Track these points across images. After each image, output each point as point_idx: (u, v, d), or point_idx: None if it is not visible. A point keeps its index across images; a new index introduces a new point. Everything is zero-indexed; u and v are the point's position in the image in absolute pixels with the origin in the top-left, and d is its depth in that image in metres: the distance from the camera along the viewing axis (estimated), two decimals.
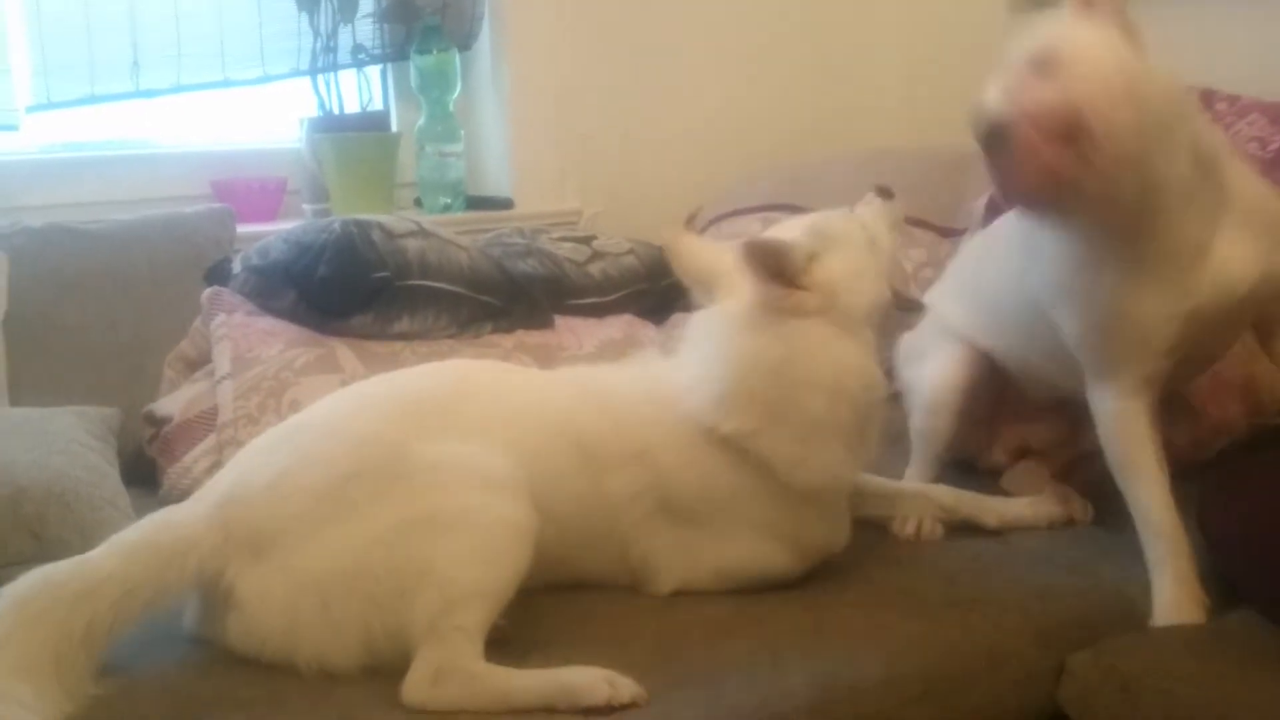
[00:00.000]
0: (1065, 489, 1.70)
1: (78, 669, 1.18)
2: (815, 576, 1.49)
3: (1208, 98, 2.26)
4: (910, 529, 1.62)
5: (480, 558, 1.25)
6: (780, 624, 1.36)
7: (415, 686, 1.20)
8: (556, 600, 1.39)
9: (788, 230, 1.49)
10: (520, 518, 1.29)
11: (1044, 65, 1.26)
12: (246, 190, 2.47)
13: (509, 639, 1.29)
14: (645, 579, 1.45)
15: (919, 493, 1.66)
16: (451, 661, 1.20)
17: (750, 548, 1.45)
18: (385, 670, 1.24)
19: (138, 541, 1.26)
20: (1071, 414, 1.68)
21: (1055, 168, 1.23)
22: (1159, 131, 1.27)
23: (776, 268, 1.39)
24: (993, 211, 2.22)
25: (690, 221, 2.61)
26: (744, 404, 1.40)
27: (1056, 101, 1.22)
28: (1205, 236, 1.34)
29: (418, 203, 2.62)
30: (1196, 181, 1.32)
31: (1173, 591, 1.41)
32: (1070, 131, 1.22)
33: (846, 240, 1.46)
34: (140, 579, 1.22)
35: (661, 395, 1.46)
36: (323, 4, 2.46)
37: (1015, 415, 1.80)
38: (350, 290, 1.93)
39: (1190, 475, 1.70)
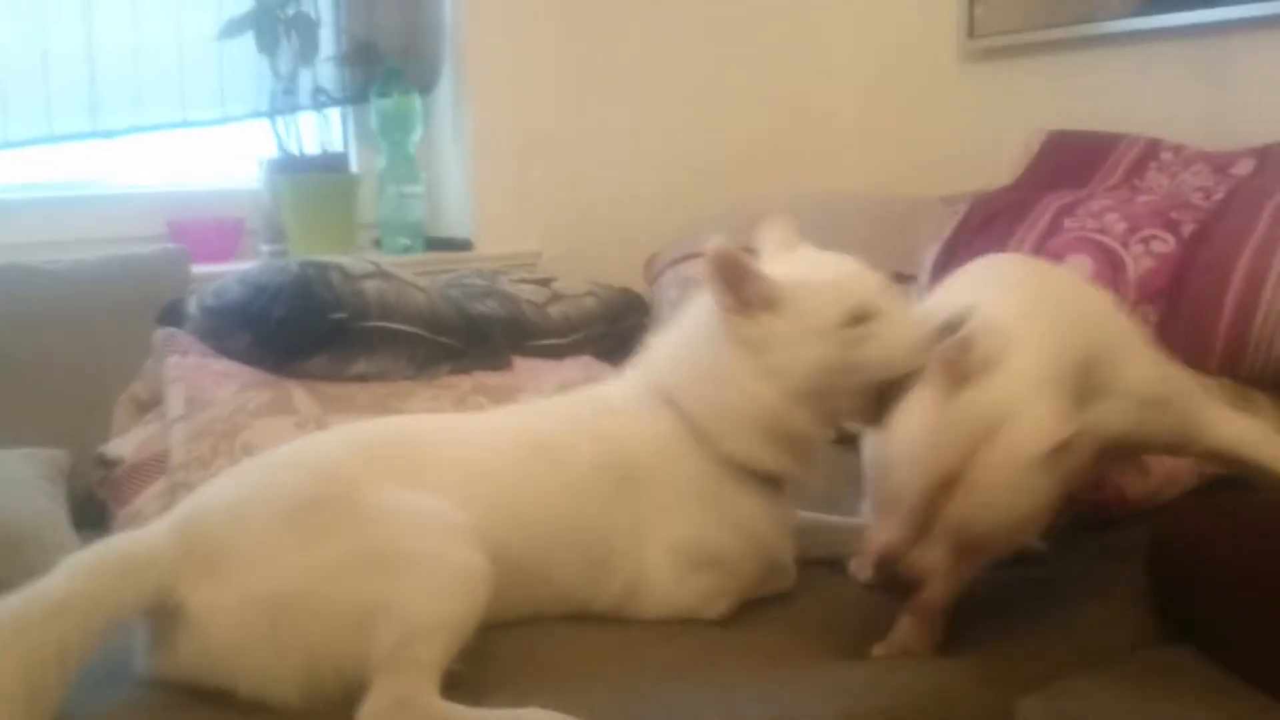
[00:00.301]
0: None
1: (48, 694, 1.15)
2: (769, 619, 1.50)
3: (1153, 148, 2.32)
4: (865, 571, 1.63)
5: (441, 593, 1.25)
6: (735, 667, 1.36)
7: (373, 716, 1.19)
8: (512, 641, 1.38)
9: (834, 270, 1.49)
10: (478, 563, 1.29)
11: None
12: (203, 230, 2.46)
13: (464, 680, 1.27)
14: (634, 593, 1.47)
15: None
16: (410, 695, 1.19)
17: (700, 524, 1.47)
18: (324, 710, 1.22)
19: (97, 560, 1.24)
20: None
21: None
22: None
23: (735, 283, 1.42)
24: (944, 260, 2.25)
25: (649, 266, 2.64)
26: (681, 369, 1.50)
27: None
28: None
29: (377, 243, 2.63)
30: None
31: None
32: None
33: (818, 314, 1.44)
34: (102, 595, 1.20)
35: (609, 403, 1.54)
36: (283, 46, 2.47)
37: None
38: (307, 332, 1.93)
39: (1141, 521, 1.75)
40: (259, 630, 1.22)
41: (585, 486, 1.46)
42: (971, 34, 2.75)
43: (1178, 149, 2.29)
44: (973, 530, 1.29)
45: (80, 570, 1.23)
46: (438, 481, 1.38)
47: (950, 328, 1.34)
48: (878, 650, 1.44)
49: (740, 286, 1.42)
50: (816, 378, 1.43)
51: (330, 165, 2.58)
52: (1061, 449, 1.26)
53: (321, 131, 2.59)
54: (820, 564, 1.62)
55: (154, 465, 1.84)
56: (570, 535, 1.45)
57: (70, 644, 1.16)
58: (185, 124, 2.47)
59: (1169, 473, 1.83)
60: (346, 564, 1.25)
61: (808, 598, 1.55)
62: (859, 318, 1.42)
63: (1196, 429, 1.56)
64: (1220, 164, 2.18)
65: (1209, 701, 1.31)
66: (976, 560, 1.35)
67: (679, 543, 1.47)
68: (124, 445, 1.89)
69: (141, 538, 1.29)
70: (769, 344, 1.43)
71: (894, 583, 1.33)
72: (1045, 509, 1.32)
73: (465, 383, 2.05)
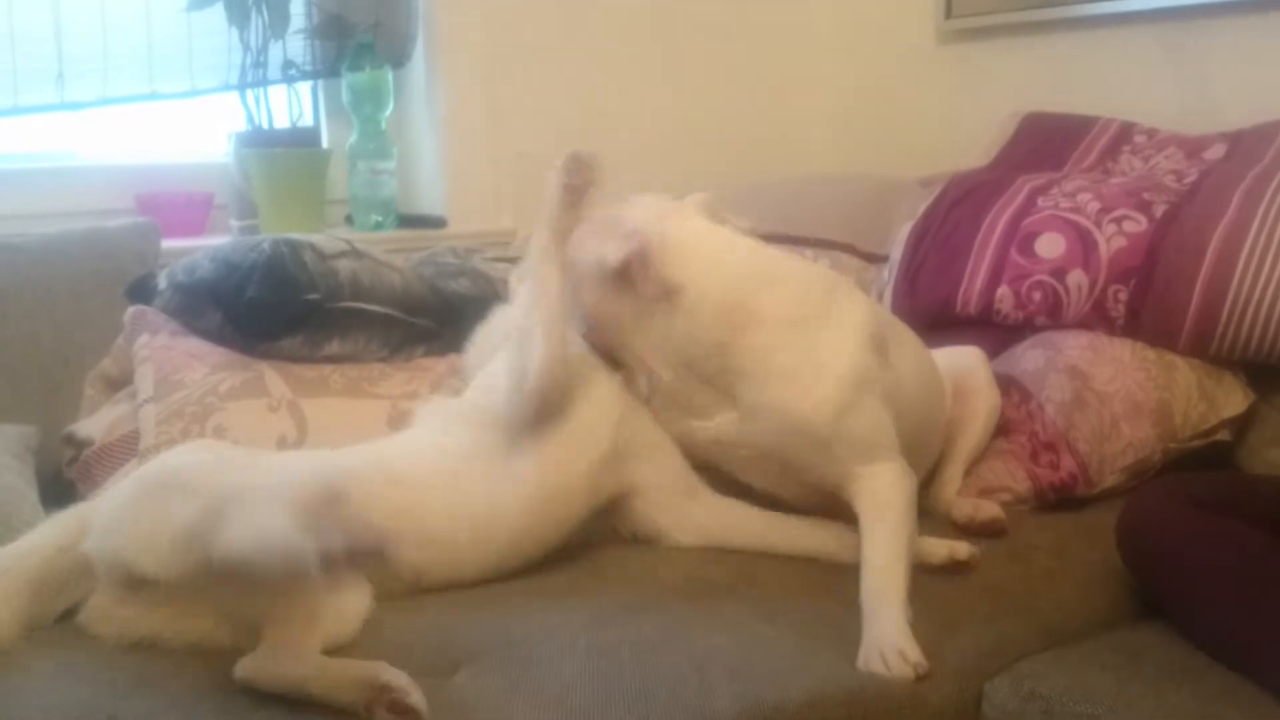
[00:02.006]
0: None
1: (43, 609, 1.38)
2: (744, 600, 1.51)
3: (1127, 131, 2.34)
4: None
5: None
6: (708, 644, 1.37)
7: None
8: (483, 616, 1.39)
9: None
10: None
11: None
12: (172, 204, 2.43)
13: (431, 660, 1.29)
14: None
15: None
16: None
17: None
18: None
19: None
20: None
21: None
22: (613, 344, 1.68)
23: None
24: (917, 238, 2.26)
25: None
26: None
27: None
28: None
29: (348, 220, 2.60)
30: None
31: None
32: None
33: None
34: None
35: None
36: (253, 18, 2.43)
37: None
38: (280, 312, 1.91)
39: (1110, 500, 1.77)
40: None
41: None
42: (949, 14, 2.76)
43: (1151, 132, 2.31)
44: None
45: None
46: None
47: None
48: None
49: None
50: None
51: (301, 140, 2.55)
52: None
53: (292, 106, 2.56)
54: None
55: (124, 447, 1.82)
56: None
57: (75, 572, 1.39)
58: (154, 96, 2.43)
59: (1132, 440, 1.86)
60: None
61: (783, 584, 1.57)
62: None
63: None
64: (1193, 148, 2.20)
65: (1177, 680, 1.34)
66: None
67: None
68: (94, 426, 1.87)
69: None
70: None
71: None
72: None
73: (439, 365, 2.04)
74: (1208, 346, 1.93)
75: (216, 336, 1.93)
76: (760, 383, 1.56)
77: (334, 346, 1.95)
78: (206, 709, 1.23)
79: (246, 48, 2.45)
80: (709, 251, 1.61)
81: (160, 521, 1.30)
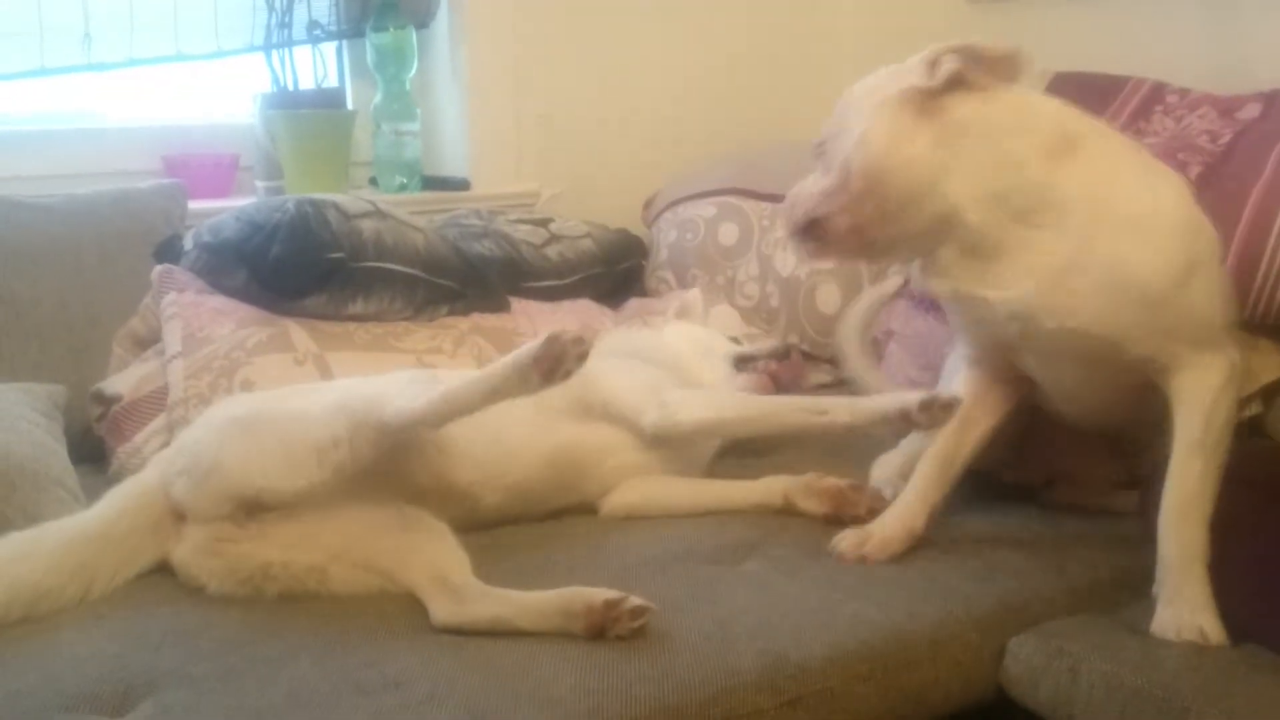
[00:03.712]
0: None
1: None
2: (767, 558, 1.51)
3: (1159, 91, 2.30)
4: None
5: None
6: (731, 603, 1.38)
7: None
8: (504, 568, 1.40)
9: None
10: None
11: (822, 155, 1.52)
12: (199, 166, 2.44)
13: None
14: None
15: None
16: None
17: None
18: (337, 648, 1.25)
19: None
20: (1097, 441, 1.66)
21: (842, 240, 1.48)
22: (905, 199, 1.42)
23: None
24: None
25: (647, 207, 2.62)
26: None
27: (831, 188, 1.46)
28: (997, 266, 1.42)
29: (373, 182, 2.60)
30: (980, 217, 1.40)
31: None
32: (843, 207, 1.44)
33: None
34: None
35: None
36: None
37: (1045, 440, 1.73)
38: (304, 271, 1.92)
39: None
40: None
41: None
42: None
43: (1184, 92, 2.26)
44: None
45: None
46: None
47: None
48: (844, 542, 1.50)
49: None
50: None
51: (326, 101, 2.54)
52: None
53: (317, 67, 2.55)
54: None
55: (153, 402, 1.84)
56: None
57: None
58: (179, 57, 2.43)
59: None
60: None
61: (805, 542, 1.56)
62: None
63: None
64: (1227, 107, 2.16)
65: (1201, 649, 1.33)
66: None
67: None
68: (122, 382, 1.88)
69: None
70: None
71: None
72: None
73: (463, 324, 2.05)
74: (1241, 309, 1.90)
75: (242, 296, 1.94)
76: (1088, 223, 1.36)
77: (358, 305, 1.96)
78: (236, 660, 1.25)
79: (271, 8, 2.44)
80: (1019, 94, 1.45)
81: (289, 440, 1.39)
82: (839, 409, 1.61)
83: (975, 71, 1.40)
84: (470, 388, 1.37)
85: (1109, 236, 1.37)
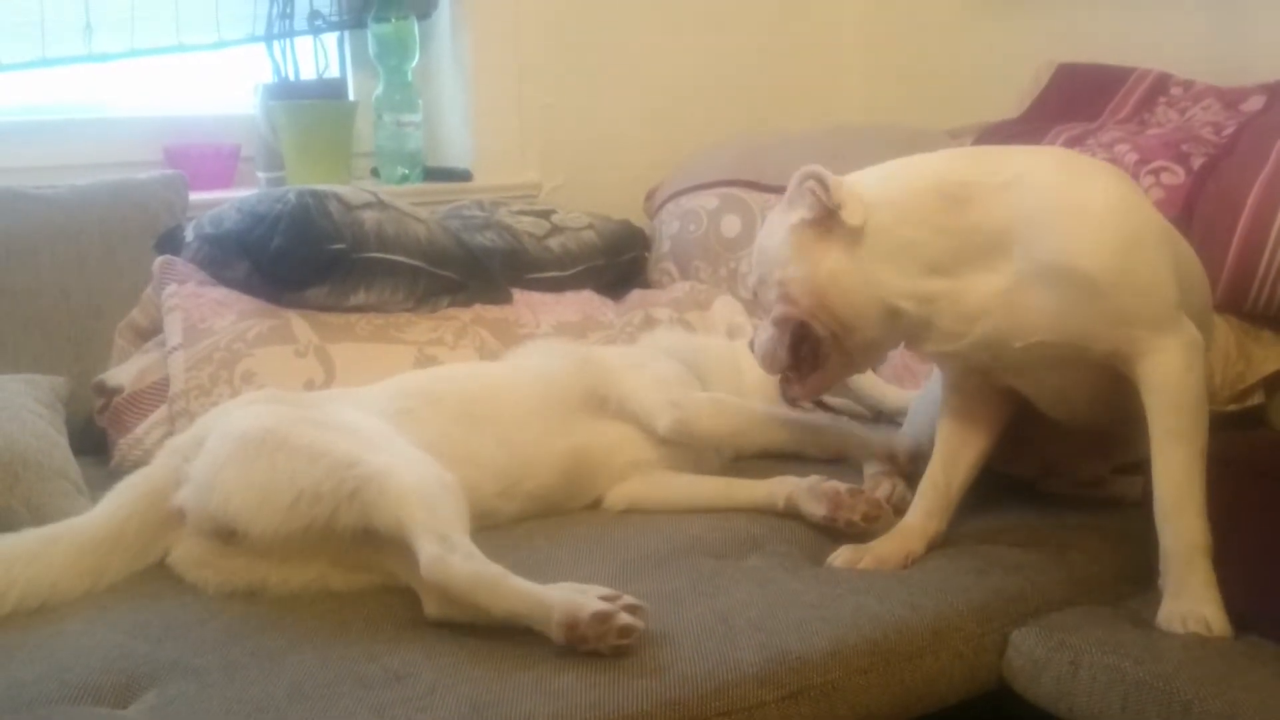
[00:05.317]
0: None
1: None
2: (770, 554, 1.51)
3: (1163, 82, 2.29)
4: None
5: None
6: (733, 596, 1.38)
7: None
8: (510, 563, 1.39)
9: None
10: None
11: (761, 302, 1.59)
12: (200, 156, 2.43)
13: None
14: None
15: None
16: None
17: None
18: (339, 641, 1.25)
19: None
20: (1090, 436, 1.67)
21: (828, 348, 1.52)
22: (852, 309, 1.48)
23: None
24: None
25: (650, 199, 2.62)
26: None
27: (785, 312, 1.52)
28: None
29: (374, 173, 2.60)
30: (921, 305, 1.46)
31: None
32: (809, 314, 1.50)
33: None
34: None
35: None
36: None
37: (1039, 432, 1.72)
38: (305, 262, 1.92)
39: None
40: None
41: None
42: None
43: (1187, 84, 2.26)
44: None
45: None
46: None
47: None
48: (839, 559, 1.50)
49: None
50: None
51: (327, 91, 2.54)
52: None
53: (318, 58, 2.55)
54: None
55: (154, 393, 1.84)
56: None
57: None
58: (180, 48, 2.43)
59: None
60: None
61: (807, 534, 1.57)
62: None
63: None
64: (1230, 99, 2.16)
65: (1204, 641, 1.32)
66: None
67: None
68: (123, 374, 1.89)
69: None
70: None
71: None
72: None
73: (465, 315, 2.05)
74: (1244, 300, 1.90)
75: (244, 287, 1.94)
76: (1022, 240, 1.39)
77: (360, 296, 1.96)
78: (239, 652, 1.25)
79: None
80: (872, 174, 1.51)
81: (275, 482, 1.34)
82: (850, 443, 1.78)
83: (833, 194, 1.45)
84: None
85: (1043, 240, 1.39)
